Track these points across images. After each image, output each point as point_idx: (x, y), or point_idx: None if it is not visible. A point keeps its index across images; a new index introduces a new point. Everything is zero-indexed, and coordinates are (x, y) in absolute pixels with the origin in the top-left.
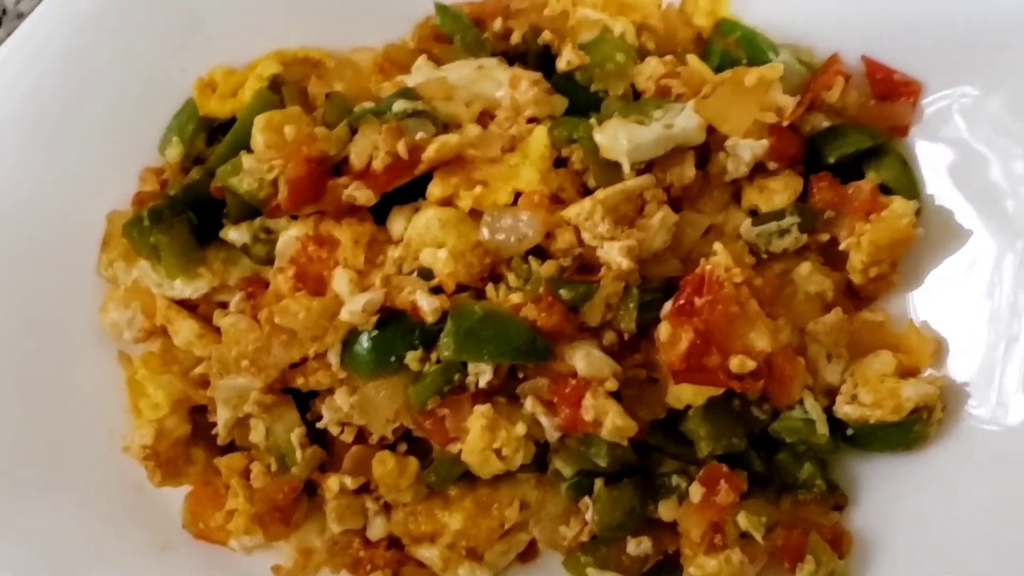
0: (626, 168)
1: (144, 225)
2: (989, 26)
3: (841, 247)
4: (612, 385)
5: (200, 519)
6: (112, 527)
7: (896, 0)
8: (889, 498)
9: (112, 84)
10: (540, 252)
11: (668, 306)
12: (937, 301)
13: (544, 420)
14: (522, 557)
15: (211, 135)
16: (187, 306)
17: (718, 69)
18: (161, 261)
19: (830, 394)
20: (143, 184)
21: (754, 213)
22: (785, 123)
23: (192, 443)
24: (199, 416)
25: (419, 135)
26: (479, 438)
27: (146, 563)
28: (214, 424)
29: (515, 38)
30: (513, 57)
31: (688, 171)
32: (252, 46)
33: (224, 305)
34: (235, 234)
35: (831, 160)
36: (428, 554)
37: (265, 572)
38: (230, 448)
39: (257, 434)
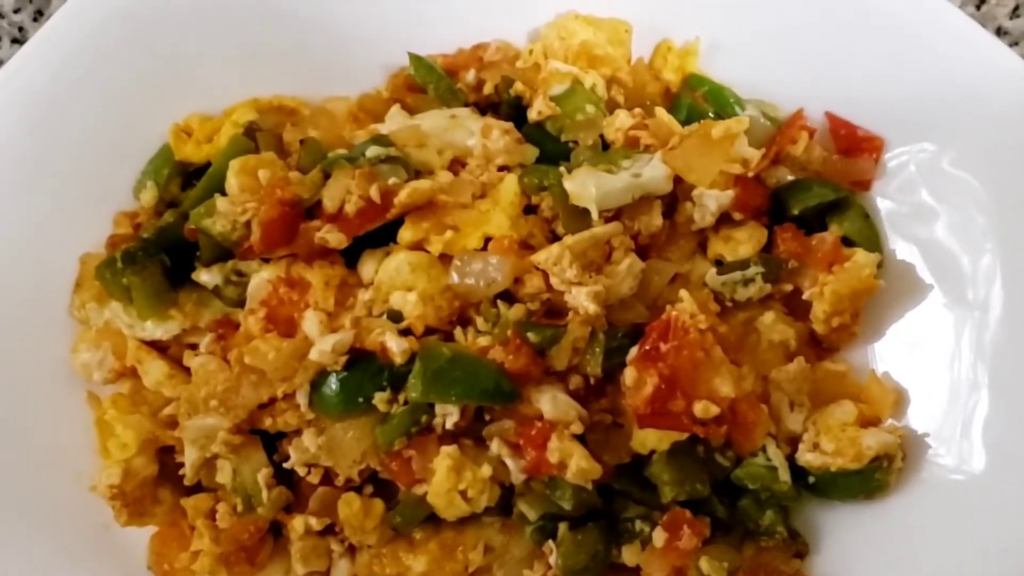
0: (595, 215)
1: (117, 266)
2: (947, 86)
3: (804, 297)
4: (578, 428)
5: (165, 560)
6: (78, 566)
7: (859, 59)
8: (850, 546)
9: (88, 128)
10: (509, 297)
11: (634, 351)
12: (898, 353)
13: (510, 462)
14: None
15: (186, 180)
16: (158, 347)
17: (686, 122)
18: (133, 302)
19: (792, 442)
20: (117, 227)
21: (719, 263)
22: (751, 174)
23: (159, 483)
24: (167, 457)
25: (391, 180)
26: (445, 479)
27: None
28: (181, 465)
29: (487, 89)
30: (485, 108)
31: (655, 220)
32: (228, 94)
33: (195, 347)
34: (207, 276)
35: (795, 212)
36: None
37: None
38: (197, 489)
39: (224, 475)
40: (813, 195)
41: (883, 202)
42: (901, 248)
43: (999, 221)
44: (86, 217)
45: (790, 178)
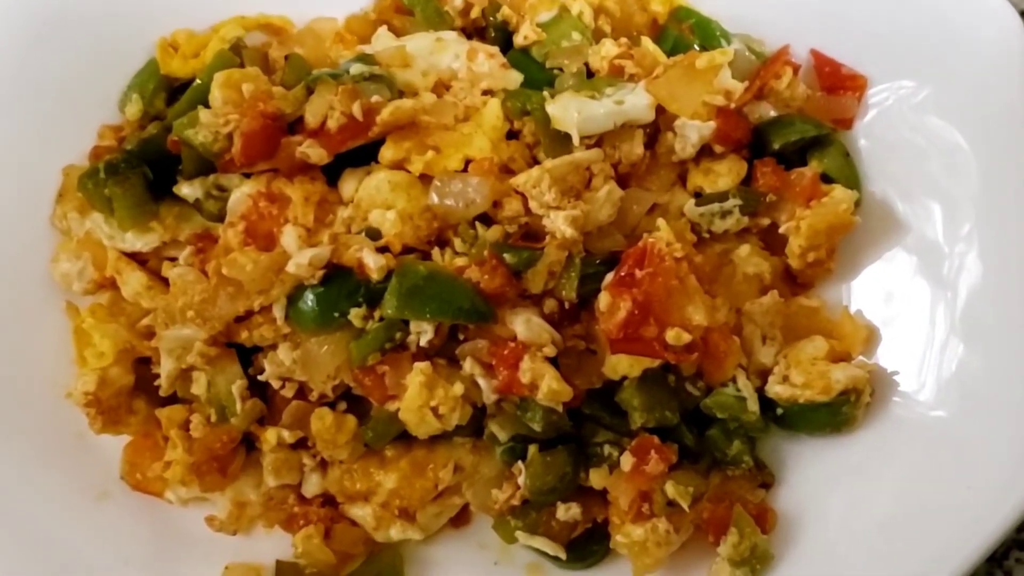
0: (576, 140)
1: (99, 177)
2: (932, 26)
3: (781, 231)
4: (550, 351)
5: (138, 470)
6: (52, 473)
7: None
8: (816, 479)
9: (75, 42)
10: (487, 220)
11: (610, 277)
12: (872, 291)
13: (482, 381)
14: (455, 521)
15: (171, 95)
16: (138, 259)
17: (671, 54)
18: (114, 214)
19: (763, 375)
20: (101, 140)
21: (698, 194)
22: (733, 106)
23: (135, 394)
24: (143, 368)
25: (374, 98)
26: (417, 395)
27: (81, 511)
28: (157, 376)
29: (475, 13)
30: (472, 32)
31: (637, 148)
32: (216, 11)
33: (174, 259)
34: (188, 189)
35: (776, 147)
36: (361, 513)
37: (199, 526)
38: (172, 400)
39: (199, 386)
40: (794, 131)
41: (864, 141)
42: (880, 188)
43: (976, 164)
44: (71, 129)
45: (773, 113)
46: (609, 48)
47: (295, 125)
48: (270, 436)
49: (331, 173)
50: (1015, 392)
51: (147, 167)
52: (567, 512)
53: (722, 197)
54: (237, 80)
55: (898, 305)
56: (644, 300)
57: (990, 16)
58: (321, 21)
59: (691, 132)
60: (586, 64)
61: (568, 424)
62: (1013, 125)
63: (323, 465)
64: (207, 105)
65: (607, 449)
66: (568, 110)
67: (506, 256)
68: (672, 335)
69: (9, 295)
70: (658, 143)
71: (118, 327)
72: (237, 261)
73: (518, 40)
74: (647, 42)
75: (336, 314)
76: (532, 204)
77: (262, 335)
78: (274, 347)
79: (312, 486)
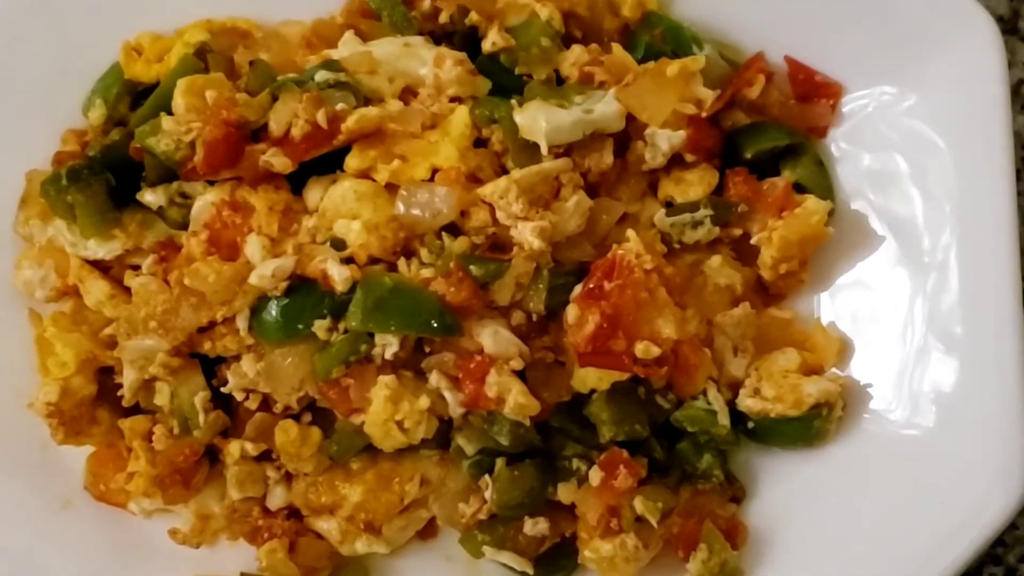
0: (544, 150)
1: (62, 183)
2: (911, 32)
3: (753, 241)
4: (518, 364)
5: (101, 480)
6: (13, 482)
7: (820, 2)
8: (788, 493)
9: (38, 45)
10: (455, 230)
11: (578, 289)
12: (846, 304)
13: (448, 395)
14: (421, 534)
15: (135, 100)
16: (100, 267)
17: (643, 61)
18: (76, 220)
19: (734, 387)
20: (64, 144)
21: (669, 204)
22: (704, 115)
23: (97, 404)
24: (106, 378)
25: (340, 106)
26: (382, 409)
27: (44, 521)
28: (120, 386)
29: (443, 18)
30: (440, 37)
31: (606, 158)
32: (181, 14)
33: (137, 268)
34: (151, 196)
35: (748, 155)
36: (326, 526)
37: (163, 538)
38: (135, 411)
39: (162, 397)
40: (767, 139)
41: (838, 149)
42: (855, 198)
43: (956, 176)
44: (34, 134)
45: (745, 122)
46: (579, 55)
47: (259, 133)
48: (234, 448)
49: (296, 182)
50: (990, 406)
51: (110, 173)
52: (535, 527)
53: (693, 207)
54: (200, 86)
55: (871, 317)
56: (613, 313)
57: (969, 23)
58: (288, 24)
59: (662, 141)
60: (556, 71)
61: (536, 438)
62: (993, 134)
63: (288, 478)
64: (170, 111)
65: (576, 463)
66: (536, 119)
67: (473, 268)
68: (642, 348)
69: None
70: (628, 152)
71: (80, 336)
72: (200, 271)
73: (486, 46)
74: (618, 49)
75: (300, 326)
76: (499, 215)
77: (225, 346)
78: (238, 358)
79: (276, 499)
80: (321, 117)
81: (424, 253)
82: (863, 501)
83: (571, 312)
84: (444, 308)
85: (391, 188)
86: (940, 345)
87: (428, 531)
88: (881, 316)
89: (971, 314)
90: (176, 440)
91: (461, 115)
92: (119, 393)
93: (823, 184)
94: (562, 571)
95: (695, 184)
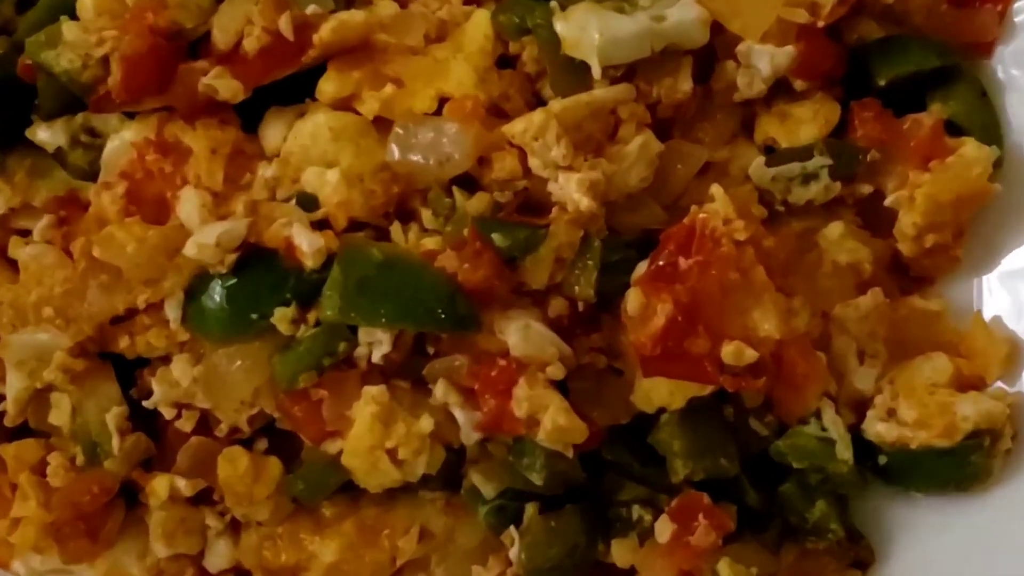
0: (596, 73)
1: None
2: None
3: (887, 203)
4: (557, 372)
5: None
6: None
7: None
8: (931, 556)
9: None
10: (470, 183)
11: (642, 268)
12: (1017, 291)
13: (460, 414)
14: None
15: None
16: None
17: None
18: None
19: (859, 407)
20: None
21: (771, 149)
22: (822, 24)
23: None
24: None
25: (310, 8)
26: (367, 433)
27: None
28: (2, 398)
29: None
30: None
31: (683, 84)
32: None
33: (27, 233)
34: (46, 134)
35: (882, 83)
36: None
37: None
38: (22, 433)
39: (60, 413)
40: (909, 60)
41: (1007, 75)
42: None
43: None
44: None
45: (878, 35)
46: None
47: (199, 46)
48: (159, 487)
49: (249, 115)
50: None
51: None
52: None
53: (805, 154)
54: None
55: None
56: (691, 301)
57: None
58: None
59: (761, 61)
60: None
61: (581, 475)
62: None
63: (234, 527)
64: (74, 16)
65: (636, 511)
66: (586, 29)
67: (495, 237)
68: (730, 352)
69: None
70: (714, 76)
71: None
72: (115, 239)
73: None
74: None
75: (254, 315)
76: (533, 162)
77: (149, 343)
78: (166, 360)
79: (218, 557)
80: (285, 24)
81: (427, 216)
82: None
83: (632, 299)
84: (455, 292)
85: (381, 124)
86: None
87: None
88: None
89: None
90: (80, 474)
91: (480, 23)
92: (0, 408)
93: (987, 122)
94: None
95: (807, 122)
